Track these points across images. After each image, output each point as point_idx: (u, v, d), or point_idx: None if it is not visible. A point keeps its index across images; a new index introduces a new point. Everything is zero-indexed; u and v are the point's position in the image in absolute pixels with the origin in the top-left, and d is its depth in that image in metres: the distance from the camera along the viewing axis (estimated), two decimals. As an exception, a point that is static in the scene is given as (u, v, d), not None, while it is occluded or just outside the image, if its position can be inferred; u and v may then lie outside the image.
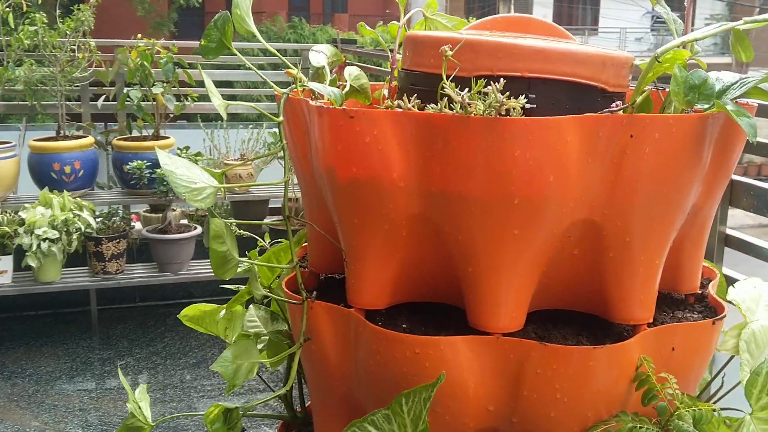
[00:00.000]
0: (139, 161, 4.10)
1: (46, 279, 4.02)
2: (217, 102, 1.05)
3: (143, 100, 4.22)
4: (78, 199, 4.03)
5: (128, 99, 4.18)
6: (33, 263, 3.86)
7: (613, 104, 1.04)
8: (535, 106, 1.08)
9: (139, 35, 4.31)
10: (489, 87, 0.97)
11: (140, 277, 4.18)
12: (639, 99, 1.02)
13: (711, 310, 1.19)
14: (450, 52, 1.07)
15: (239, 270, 1.12)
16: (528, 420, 1.04)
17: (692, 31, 1.09)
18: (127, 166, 4.14)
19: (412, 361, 1.02)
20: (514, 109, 0.98)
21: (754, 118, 1.01)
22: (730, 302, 1.24)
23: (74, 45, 4.17)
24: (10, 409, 3.54)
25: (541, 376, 1.02)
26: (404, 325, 1.10)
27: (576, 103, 1.10)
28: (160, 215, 4.37)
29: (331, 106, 1.04)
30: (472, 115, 0.96)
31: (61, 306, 4.50)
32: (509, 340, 1.03)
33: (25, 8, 4.08)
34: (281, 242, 1.32)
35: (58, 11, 4.21)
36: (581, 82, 1.10)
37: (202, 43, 1.16)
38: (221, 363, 1.13)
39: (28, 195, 4.21)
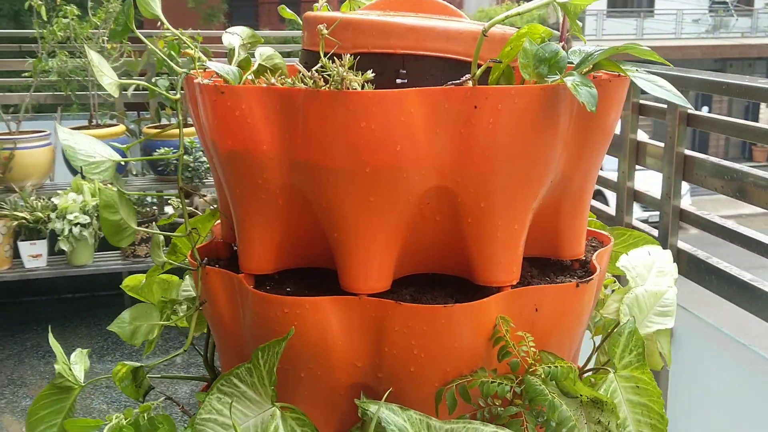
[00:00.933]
0: (167, 148, 4.29)
1: (78, 262, 4.25)
2: (107, 81, 1.17)
3: (172, 89, 4.41)
4: (109, 185, 4.25)
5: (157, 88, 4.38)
6: (65, 247, 4.10)
7: (463, 78, 1.12)
8: (406, 81, 1.17)
9: (161, 24, 4.50)
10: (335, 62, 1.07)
11: (169, 260, 4.38)
12: (479, 71, 1.09)
13: (590, 275, 1.25)
14: (326, 31, 1.16)
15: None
16: (392, 375, 1.13)
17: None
18: (156, 153, 4.33)
19: (282, 320, 1.13)
20: (368, 82, 1.07)
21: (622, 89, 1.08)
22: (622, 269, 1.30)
23: (105, 36, 4.38)
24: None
25: (399, 333, 1.11)
26: (288, 289, 1.21)
27: (450, 78, 1.18)
28: (189, 201, 4.56)
29: (208, 82, 1.15)
30: (322, 89, 1.05)
31: (95, 289, 4.75)
32: (370, 300, 1.12)
33: (58, 1, 4.31)
34: (199, 214, 1.44)
35: (90, 3, 4.42)
36: (454, 57, 1.18)
37: (112, 26, 1.28)
38: (118, 324, 1.26)
39: (64, 182, 4.45)
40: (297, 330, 1.12)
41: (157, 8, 1.27)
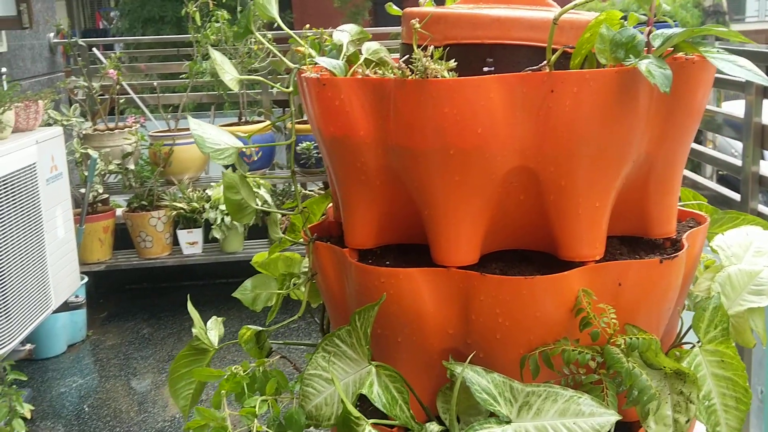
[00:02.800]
0: (308, 143, 4.53)
1: (230, 249, 4.58)
2: (228, 78, 1.33)
3: (312, 85, 4.64)
4: (257, 178, 4.54)
5: (300, 85, 4.63)
6: (218, 235, 4.43)
7: (540, 64, 1.19)
8: (493, 69, 1.25)
9: (307, 25, 4.73)
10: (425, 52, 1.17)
11: (312, 248, 4.62)
12: (553, 58, 1.15)
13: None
14: (418, 26, 1.26)
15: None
16: (479, 341, 1.22)
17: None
18: (298, 147, 4.58)
19: (379, 289, 1.24)
20: (450, 70, 1.17)
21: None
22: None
23: (252, 38, 4.68)
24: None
25: (484, 303, 1.20)
26: (388, 262, 1.32)
27: (536, 64, 1.25)
28: (330, 191, 4.79)
29: (316, 76, 1.29)
30: (408, 78, 1.16)
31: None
32: (458, 272, 1.22)
33: (211, 7, 4.64)
34: (315, 195, 1.58)
35: (239, 8, 4.73)
36: (539, 45, 1.25)
37: (234, 29, 1.44)
38: (241, 291, 1.42)
39: (217, 175, 4.79)
40: (393, 298, 1.23)
41: (274, 11, 1.42)
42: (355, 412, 1.12)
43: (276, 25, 1.57)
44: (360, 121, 1.23)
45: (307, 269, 1.63)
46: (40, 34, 4.62)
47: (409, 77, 1.17)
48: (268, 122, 4.73)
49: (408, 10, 1.40)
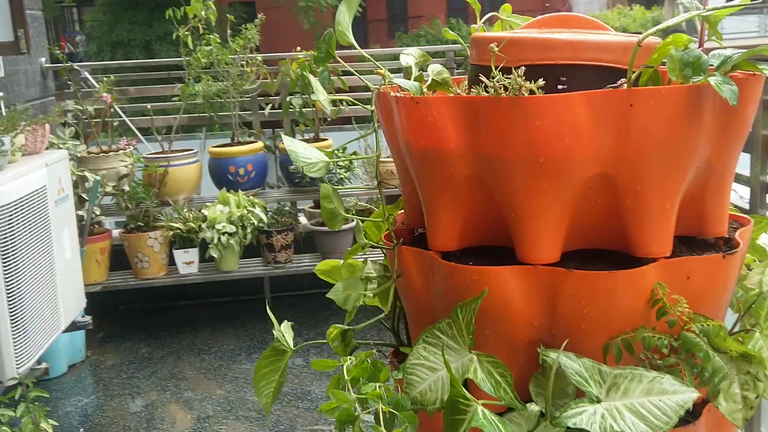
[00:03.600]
0: (302, 161, 4.64)
1: (226, 268, 4.65)
2: (323, 97, 1.45)
3: (304, 107, 4.76)
4: (251, 197, 4.63)
5: (291, 106, 4.74)
6: (215, 254, 4.50)
7: (619, 81, 1.33)
8: (566, 87, 1.40)
9: (299, 48, 4.86)
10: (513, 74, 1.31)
11: (306, 265, 4.72)
12: (633, 75, 1.30)
13: (734, 249, 1.44)
14: (496, 49, 1.40)
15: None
16: (564, 331, 1.36)
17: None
18: (292, 167, 4.69)
19: (470, 287, 1.37)
20: (539, 89, 1.31)
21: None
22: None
23: (244, 61, 4.79)
24: (200, 380, 4.17)
25: (570, 296, 1.33)
26: (470, 262, 1.45)
27: (603, 82, 1.40)
28: (322, 209, 4.89)
29: (407, 95, 1.41)
30: (502, 96, 1.30)
31: (241, 293, 5.15)
32: (545, 269, 1.35)
33: (201, 31, 4.74)
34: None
35: (228, 32, 4.84)
36: (605, 65, 1.40)
37: (315, 54, 1.56)
38: (334, 293, 1.53)
39: (210, 195, 4.86)
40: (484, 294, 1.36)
41: (351, 37, 1.55)
42: (467, 394, 1.24)
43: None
44: (451, 135, 1.36)
45: (369, 275, 1.75)
46: (33, 59, 4.66)
47: (502, 95, 1.30)
48: (259, 143, 4.83)
49: (479, 35, 1.54)
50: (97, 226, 4.60)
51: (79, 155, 4.47)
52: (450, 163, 1.38)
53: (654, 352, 1.34)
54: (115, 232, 4.70)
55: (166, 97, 5.02)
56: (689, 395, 1.26)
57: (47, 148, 4.01)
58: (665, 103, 1.28)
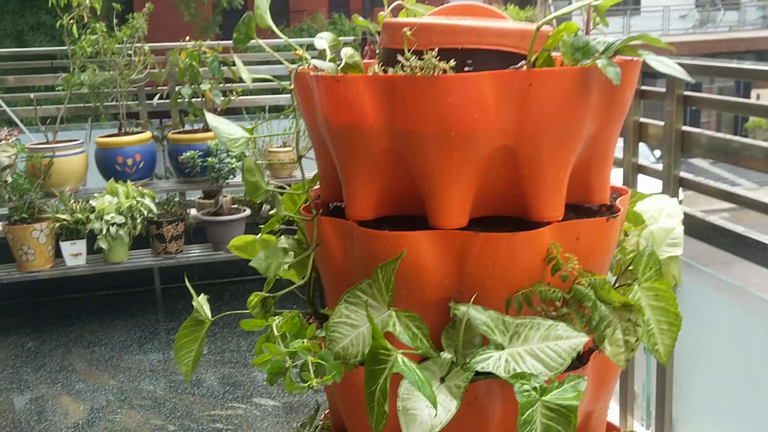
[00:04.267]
0: (192, 151, 4.65)
1: (115, 260, 4.60)
2: (245, 75, 1.54)
3: (193, 97, 4.77)
4: (140, 187, 4.60)
5: (180, 96, 4.74)
6: (104, 245, 4.44)
7: (519, 64, 1.50)
8: (472, 69, 1.55)
9: (188, 38, 4.86)
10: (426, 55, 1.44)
11: (197, 256, 4.73)
12: (532, 59, 1.47)
13: (616, 214, 1.63)
14: (409, 33, 1.54)
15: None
16: (471, 288, 1.51)
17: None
18: (182, 157, 4.69)
19: (388, 251, 1.50)
20: (449, 68, 1.45)
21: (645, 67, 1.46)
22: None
23: (130, 50, 4.74)
24: (91, 372, 4.12)
25: (477, 257, 1.48)
26: (386, 229, 1.57)
27: (504, 65, 1.56)
28: (213, 200, 4.91)
29: (325, 74, 1.52)
30: (418, 75, 1.43)
31: (130, 285, 5.09)
32: (455, 232, 1.50)
33: (86, 19, 4.66)
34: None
35: (115, 20, 4.78)
36: (506, 50, 1.56)
37: (235, 36, 1.65)
38: (256, 261, 1.62)
39: (97, 186, 4.78)
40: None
41: (269, 20, 1.64)
42: (388, 345, 1.37)
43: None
44: (369, 111, 1.49)
45: (285, 247, 1.85)
46: None
47: (418, 74, 1.44)
48: (148, 133, 4.80)
49: (389, 20, 1.67)
50: (-22, 218, 4.44)
51: (-43, 145, 4.31)
52: (368, 137, 1.50)
53: (550, 305, 1.51)
54: (-2, 225, 4.56)
55: (50, 87, 4.90)
56: (580, 339, 1.43)
57: None
58: (559, 82, 1.45)
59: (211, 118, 1.55)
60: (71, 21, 4.59)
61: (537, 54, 1.49)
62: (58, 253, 4.57)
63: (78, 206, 4.52)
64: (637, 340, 1.51)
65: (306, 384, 1.29)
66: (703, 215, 2.24)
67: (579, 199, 1.66)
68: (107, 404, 3.78)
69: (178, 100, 4.79)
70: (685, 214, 2.22)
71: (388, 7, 1.86)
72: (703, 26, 24.22)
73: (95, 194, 4.54)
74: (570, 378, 1.41)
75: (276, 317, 1.42)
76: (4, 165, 4.36)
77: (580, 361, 1.59)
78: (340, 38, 1.83)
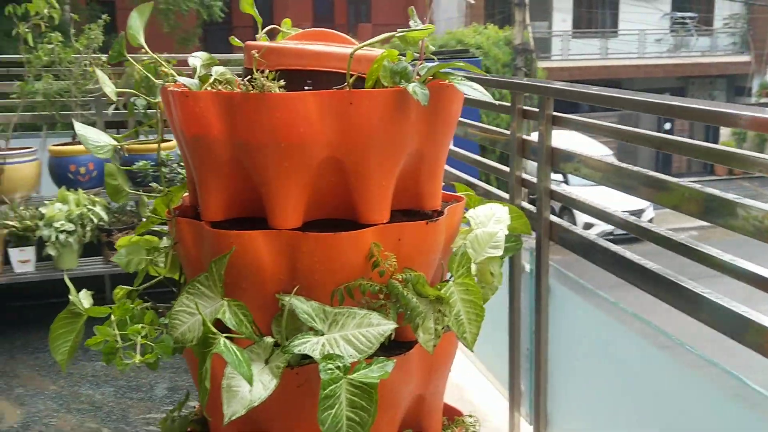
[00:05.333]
0: (144, 161, 4.94)
1: (64, 267, 4.87)
2: (109, 89, 1.83)
3: (148, 108, 5.06)
4: (92, 196, 4.89)
5: (135, 107, 5.03)
6: (52, 252, 4.72)
7: (344, 85, 1.78)
8: (311, 87, 1.83)
9: (143, 50, 5.15)
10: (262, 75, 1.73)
11: (147, 264, 5.00)
12: (351, 81, 1.76)
13: (442, 220, 1.91)
14: (257, 55, 1.82)
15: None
16: (303, 282, 1.79)
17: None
18: (135, 166, 4.97)
19: (229, 248, 1.77)
20: (279, 87, 1.73)
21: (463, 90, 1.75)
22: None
23: (87, 60, 5.04)
24: (33, 377, 4.39)
25: (306, 254, 1.76)
26: (231, 229, 1.85)
27: (341, 84, 1.84)
28: (164, 210, 5.18)
29: (178, 89, 1.81)
30: (251, 92, 1.72)
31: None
32: (288, 232, 1.78)
33: (43, 28, 4.96)
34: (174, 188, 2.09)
35: (72, 30, 5.08)
36: (342, 71, 1.85)
37: (111, 53, 1.94)
38: (118, 257, 1.90)
39: (51, 194, 5.07)
40: (239, 254, 1.77)
41: (141, 39, 1.93)
42: (214, 330, 1.65)
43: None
44: (214, 124, 1.77)
45: (166, 245, 2.13)
46: None
47: (252, 92, 1.72)
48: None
49: (249, 43, 1.96)
50: (-72, 223, 4.73)
51: None
52: (214, 147, 1.79)
53: (373, 297, 1.79)
54: (-53, 230, 4.83)
55: (5, 94, 5.20)
56: (388, 326, 1.71)
57: None
58: (376, 102, 1.73)
59: (79, 127, 1.83)
60: (27, 30, 4.89)
61: (356, 76, 1.77)
62: (6, 260, 4.84)
63: (28, 213, 4.80)
64: (443, 328, 1.79)
65: (131, 361, 1.56)
66: (568, 225, 2.51)
67: (413, 205, 1.94)
68: (44, 408, 4.04)
69: (134, 111, 5.08)
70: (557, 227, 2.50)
71: (262, 30, 2.15)
72: (677, 50, 25.22)
73: (46, 202, 4.82)
74: (377, 360, 1.68)
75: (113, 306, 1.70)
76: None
77: (406, 347, 1.86)
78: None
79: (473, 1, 20.14)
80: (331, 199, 1.83)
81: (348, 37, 1.99)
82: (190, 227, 1.89)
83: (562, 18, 24.85)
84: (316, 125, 1.73)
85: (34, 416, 3.95)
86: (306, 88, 1.83)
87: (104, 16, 5.06)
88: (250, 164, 1.78)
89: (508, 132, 2.87)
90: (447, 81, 1.81)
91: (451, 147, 3.81)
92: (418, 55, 1.89)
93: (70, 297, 2.01)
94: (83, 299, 2.05)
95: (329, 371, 1.61)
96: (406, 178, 1.87)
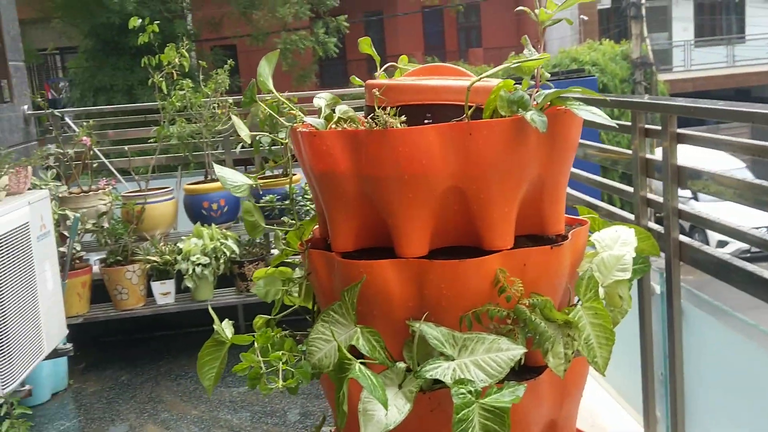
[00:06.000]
0: (271, 195, 5.14)
1: (201, 298, 5.11)
2: (244, 133, 1.94)
3: (273, 145, 5.27)
4: (224, 230, 5.11)
5: (261, 144, 5.25)
6: (190, 284, 4.97)
7: (462, 116, 1.83)
8: (431, 121, 1.89)
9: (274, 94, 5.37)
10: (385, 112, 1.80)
11: (277, 294, 5.18)
12: (470, 112, 1.80)
13: (566, 244, 1.92)
14: (378, 93, 1.90)
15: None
16: (430, 308, 1.83)
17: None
18: (262, 201, 5.18)
19: (359, 277, 1.84)
20: (400, 123, 1.80)
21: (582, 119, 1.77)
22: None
23: (215, 103, 5.30)
24: (176, 403, 4.61)
25: (433, 281, 1.81)
26: (361, 259, 1.92)
27: (460, 116, 1.88)
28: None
29: (306, 129, 1.90)
30: (375, 129, 1.79)
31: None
32: (414, 260, 1.84)
33: (175, 76, 5.26)
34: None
35: (201, 76, 5.36)
36: (460, 103, 1.89)
37: (243, 99, 2.06)
38: (257, 289, 2.01)
39: (186, 230, 5.34)
40: (369, 282, 1.84)
41: (270, 85, 2.04)
42: (349, 355, 1.71)
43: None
44: (341, 160, 1.85)
45: (299, 276, 2.23)
46: (15, 107, 5.18)
47: (375, 128, 1.79)
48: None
49: (369, 82, 2.04)
50: (78, 261, 5.07)
51: (60, 195, 4.96)
52: (341, 182, 1.87)
53: (501, 322, 1.81)
54: (96, 267, 5.16)
55: (143, 139, 5.53)
56: (518, 351, 1.73)
57: (30, 189, 4.50)
58: (495, 132, 1.77)
59: (218, 169, 1.95)
60: (161, 79, 5.20)
61: (474, 108, 1.81)
62: (149, 293, 5.12)
63: (167, 248, 5.07)
64: (573, 352, 1.79)
65: (275, 386, 1.65)
66: (699, 244, 2.46)
67: (536, 230, 1.96)
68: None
69: (260, 148, 5.30)
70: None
71: (381, 67, 2.23)
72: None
73: (183, 237, 5.08)
74: (508, 385, 1.71)
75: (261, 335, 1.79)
76: (101, 212, 4.97)
77: (537, 372, 1.87)
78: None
79: (586, 18, 19.87)
80: (455, 227, 1.88)
81: (463, 69, 2.04)
82: (321, 258, 1.97)
83: (683, 27, 24.09)
84: (437, 157, 1.78)
85: (178, 440, 4.15)
86: (426, 121, 1.89)
87: (229, 62, 5.31)
88: (376, 197, 1.85)
89: (629, 151, 2.84)
90: (564, 106, 1.83)
91: (572, 169, 3.79)
92: (534, 82, 1.92)
93: (214, 327, 2.13)
94: (226, 328, 2.17)
95: (461, 396, 1.64)
96: (528, 204, 1.89)
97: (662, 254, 2.48)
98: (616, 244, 1.97)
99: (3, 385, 3.61)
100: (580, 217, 2.09)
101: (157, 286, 5.06)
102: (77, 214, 4.71)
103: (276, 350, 1.75)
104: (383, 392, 1.66)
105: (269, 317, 2.05)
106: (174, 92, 5.26)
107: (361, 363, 1.71)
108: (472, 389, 1.66)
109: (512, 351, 1.73)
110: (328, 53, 13.29)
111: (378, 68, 2.22)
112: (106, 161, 5.40)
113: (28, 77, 5.90)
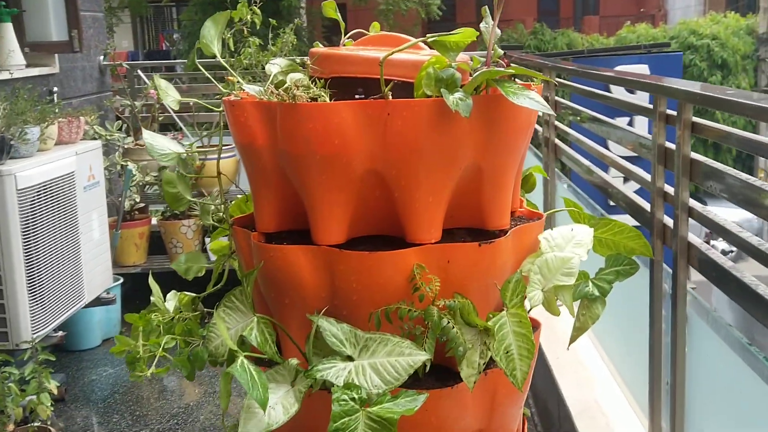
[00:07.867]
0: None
1: (254, 257, 5.08)
2: (170, 99, 1.80)
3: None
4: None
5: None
6: (242, 243, 4.93)
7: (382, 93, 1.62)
8: (363, 96, 1.69)
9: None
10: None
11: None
12: (387, 89, 1.58)
13: (505, 240, 1.69)
14: (310, 62, 1.72)
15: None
16: (341, 302, 1.65)
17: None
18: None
19: (272, 262, 1.69)
20: (319, 97, 1.61)
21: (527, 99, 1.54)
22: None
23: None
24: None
25: (343, 272, 1.63)
26: (285, 242, 1.76)
27: (396, 93, 1.68)
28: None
29: (228, 98, 1.74)
30: (285, 102, 1.61)
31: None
32: (325, 248, 1.66)
33: (245, 33, 5.19)
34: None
35: (270, 35, 5.27)
36: (397, 79, 1.68)
37: (187, 63, 1.92)
38: (177, 264, 1.88)
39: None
40: (280, 268, 1.67)
41: (215, 49, 1.89)
42: (234, 347, 1.57)
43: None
44: (259, 132, 1.69)
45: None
46: (91, 57, 5.24)
47: (286, 102, 1.62)
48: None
49: (312, 50, 1.86)
50: (138, 213, 5.12)
51: (126, 147, 5.01)
52: (260, 155, 1.71)
53: (417, 323, 1.62)
54: (154, 219, 5.22)
55: (209, 95, 5.51)
56: (419, 357, 1.54)
57: (94, 139, 4.56)
58: (417, 113, 1.56)
59: (147, 135, 1.83)
60: (230, 36, 5.13)
61: (391, 84, 1.60)
62: (204, 249, 5.13)
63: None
64: (484, 363, 1.57)
65: (143, 373, 1.53)
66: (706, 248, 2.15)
67: (475, 223, 1.73)
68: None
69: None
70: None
71: (345, 36, 2.04)
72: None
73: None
74: (405, 394, 1.52)
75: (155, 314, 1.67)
76: (161, 165, 5.00)
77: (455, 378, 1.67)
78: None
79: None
80: (377, 214, 1.68)
81: (407, 37, 1.81)
82: (244, 237, 1.82)
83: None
84: (353, 137, 1.59)
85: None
86: (357, 97, 1.69)
87: (296, 20, 5.18)
88: (293, 175, 1.68)
89: (648, 136, 2.54)
90: (500, 89, 1.59)
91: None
92: (497, 60, 1.69)
93: (151, 299, 2.02)
94: (169, 301, 2.06)
95: (342, 402, 1.47)
96: (465, 195, 1.67)
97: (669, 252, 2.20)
98: (568, 245, 1.72)
99: (34, 330, 3.68)
100: (538, 212, 1.85)
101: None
102: (133, 166, 4.74)
103: (166, 333, 1.63)
104: (264, 391, 1.51)
105: (195, 295, 1.93)
106: (243, 50, 5.19)
107: (255, 358, 1.57)
108: (356, 396, 1.48)
109: (414, 356, 1.53)
110: (431, 15, 12.95)
111: (342, 36, 2.03)
112: (174, 115, 5.42)
113: (141, 27, 5.98)
